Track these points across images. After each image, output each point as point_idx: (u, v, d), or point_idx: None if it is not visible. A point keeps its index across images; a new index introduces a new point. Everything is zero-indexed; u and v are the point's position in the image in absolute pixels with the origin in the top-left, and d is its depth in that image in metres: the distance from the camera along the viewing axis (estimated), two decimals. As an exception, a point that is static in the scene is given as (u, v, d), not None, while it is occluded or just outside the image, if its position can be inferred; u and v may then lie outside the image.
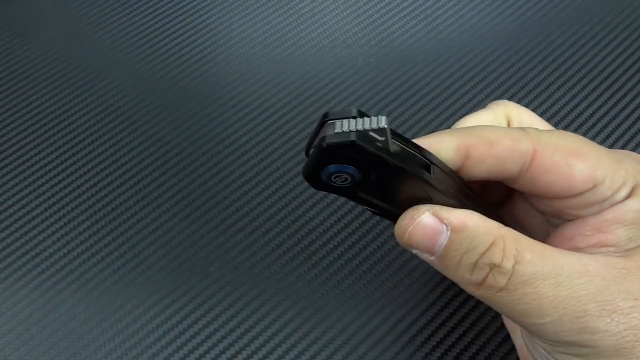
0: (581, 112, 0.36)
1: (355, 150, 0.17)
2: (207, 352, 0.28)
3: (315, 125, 0.19)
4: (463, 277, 0.20)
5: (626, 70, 0.37)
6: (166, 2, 0.42)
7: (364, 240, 0.31)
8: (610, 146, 0.34)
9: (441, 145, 0.20)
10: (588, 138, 0.35)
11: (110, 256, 0.31)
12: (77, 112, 0.37)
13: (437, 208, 0.20)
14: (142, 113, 0.36)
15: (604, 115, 0.35)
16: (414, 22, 0.40)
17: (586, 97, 0.36)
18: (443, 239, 0.19)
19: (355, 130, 0.17)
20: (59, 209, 0.33)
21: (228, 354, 0.28)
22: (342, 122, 0.17)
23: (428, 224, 0.19)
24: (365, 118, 0.17)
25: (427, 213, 0.20)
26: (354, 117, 0.17)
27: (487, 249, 0.19)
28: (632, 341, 0.19)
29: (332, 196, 0.33)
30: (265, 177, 0.34)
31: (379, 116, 0.17)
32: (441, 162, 0.20)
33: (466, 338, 0.29)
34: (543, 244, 0.20)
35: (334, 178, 0.18)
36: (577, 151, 0.21)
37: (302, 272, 0.31)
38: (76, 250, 0.31)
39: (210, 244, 0.32)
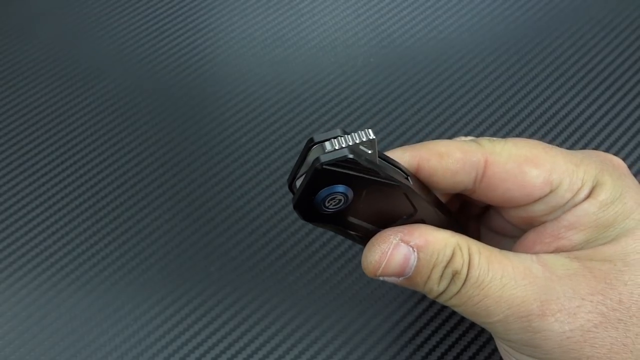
0: (581, 112, 0.36)
1: (350, 165, 0.17)
2: (207, 352, 0.28)
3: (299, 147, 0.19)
4: (432, 289, 0.20)
5: (626, 70, 0.37)
6: (166, 2, 0.42)
7: (364, 240, 0.31)
8: (611, 146, 0.34)
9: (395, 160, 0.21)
10: (588, 138, 0.35)
11: (110, 256, 0.31)
12: (77, 112, 0.37)
13: (401, 234, 0.20)
14: (142, 113, 0.36)
15: (604, 115, 0.35)
16: (414, 22, 0.40)
17: (586, 97, 0.36)
18: (412, 261, 0.20)
19: (346, 145, 0.17)
20: (59, 209, 0.33)
21: (228, 353, 0.28)
22: (331, 142, 0.17)
23: (400, 255, 0.20)
24: (352, 134, 0.17)
25: (394, 242, 0.20)
26: (340, 136, 0.17)
27: (450, 259, 0.20)
28: (579, 342, 0.19)
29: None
30: (265, 177, 0.34)
31: (365, 130, 0.17)
32: (411, 172, 0.20)
33: (466, 338, 0.29)
34: (491, 248, 0.20)
35: (327, 202, 0.18)
36: (530, 158, 0.21)
37: (302, 272, 0.31)
38: (76, 250, 0.31)
39: (210, 244, 0.32)
